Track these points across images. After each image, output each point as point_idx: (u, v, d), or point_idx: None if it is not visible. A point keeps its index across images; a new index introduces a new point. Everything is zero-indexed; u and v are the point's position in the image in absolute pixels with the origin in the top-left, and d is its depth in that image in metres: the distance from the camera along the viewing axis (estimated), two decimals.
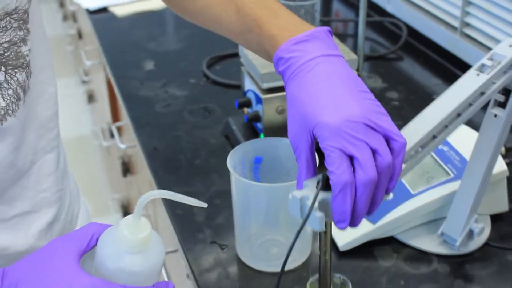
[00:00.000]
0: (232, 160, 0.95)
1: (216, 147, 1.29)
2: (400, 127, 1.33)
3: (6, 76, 0.78)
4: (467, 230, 0.99)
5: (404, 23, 1.73)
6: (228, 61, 1.63)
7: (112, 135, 2.19)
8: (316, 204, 0.67)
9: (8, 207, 0.83)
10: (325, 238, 0.74)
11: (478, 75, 0.81)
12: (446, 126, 0.78)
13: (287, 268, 0.98)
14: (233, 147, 0.96)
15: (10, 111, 0.79)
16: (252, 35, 0.81)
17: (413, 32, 1.69)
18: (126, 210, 2.33)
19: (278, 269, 0.98)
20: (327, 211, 0.68)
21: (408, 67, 1.63)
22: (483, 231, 1.00)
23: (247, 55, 1.22)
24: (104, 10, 1.98)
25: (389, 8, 1.79)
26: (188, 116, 1.40)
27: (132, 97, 1.49)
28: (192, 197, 0.70)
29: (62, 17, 3.96)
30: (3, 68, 0.78)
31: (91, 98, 3.02)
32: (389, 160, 0.67)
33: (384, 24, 1.82)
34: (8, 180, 0.82)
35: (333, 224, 0.71)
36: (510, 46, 0.86)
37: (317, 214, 0.67)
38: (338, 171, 0.66)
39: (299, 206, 0.69)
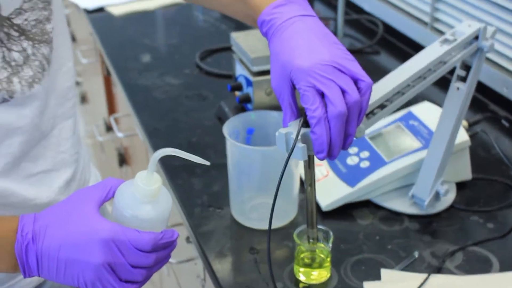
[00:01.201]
0: (228, 129, 1.08)
1: (211, 127, 1.42)
2: None
3: (33, 49, 0.91)
4: (434, 192, 1.13)
5: (380, 20, 1.87)
6: (219, 55, 1.77)
7: (108, 129, 2.31)
8: (299, 137, 0.80)
9: (33, 164, 0.96)
10: (309, 172, 0.88)
11: (441, 46, 0.96)
12: (413, 86, 0.92)
13: (275, 226, 1.12)
14: None
15: (37, 79, 0.92)
16: (239, 5, 0.94)
17: (388, 28, 1.84)
18: None
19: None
20: (308, 145, 0.81)
21: (384, 59, 1.77)
22: (448, 192, 1.14)
23: (239, 43, 1.35)
24: (101, 10, 2.11)
25: (366, 7, 1.94)
26: (184, 101, 1.53)
27: (131, 85, 1.62)
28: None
29: None
30: (30, 42, 0.90)
31: (83, 99, 3.13)
32: (356, 97, 0.79)
33: (362, 21, 1.96)
34: (33, 141, 0.95)
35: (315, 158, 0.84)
36: (469, 26, 1.01)
37: (300, 145, 0.81)
38: (312, 106, 0.79)
39: (285, 141, 0.82)
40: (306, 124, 0.81)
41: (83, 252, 0.78)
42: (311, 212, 0.93)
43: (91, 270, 0.78)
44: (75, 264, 0.78)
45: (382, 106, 0.89)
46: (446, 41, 0.98)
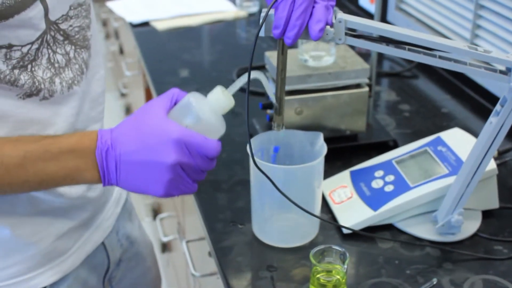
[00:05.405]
0: (252, 146, 1.09)
1: (240, 144, 1.43)
2: (408, 135, 1.47)
3: (75, 53, 0.97)
4: (447, 219, 1.12)
5: None
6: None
7: None
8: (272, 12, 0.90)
9: None
10: (281, 57, 0.98)
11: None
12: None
13: (295, 245, 1.12)
14: None
15: (76, 81, 0.98)
16: None
17: None
18: (156, 213, 2.48)
19: (289, 245, 1.13)
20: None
21: (422, 84, 1.76)
22: (460, 223, 1.12)
23: (272, 62, 1.37)
24: (146, 24, 2.16)
25: None
26: None
27: None
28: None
29: (104, 36, 4.17)
30: (73, 47, 0.97)
31: (128, 110, 3.19)
32: None
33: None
34: None
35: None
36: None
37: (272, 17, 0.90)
38: None
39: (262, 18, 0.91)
40: None
41: (156, 152, 0.85)
42: (279, 98, 1.01)
43: (167, 170, 0.86)
44: (150, 166, 0.86)
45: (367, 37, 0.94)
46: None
